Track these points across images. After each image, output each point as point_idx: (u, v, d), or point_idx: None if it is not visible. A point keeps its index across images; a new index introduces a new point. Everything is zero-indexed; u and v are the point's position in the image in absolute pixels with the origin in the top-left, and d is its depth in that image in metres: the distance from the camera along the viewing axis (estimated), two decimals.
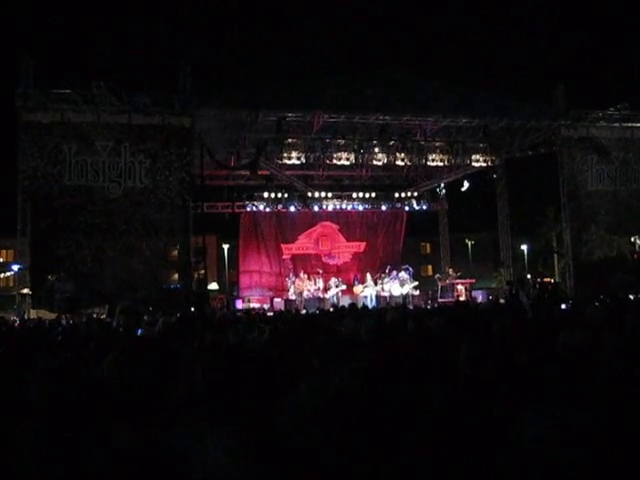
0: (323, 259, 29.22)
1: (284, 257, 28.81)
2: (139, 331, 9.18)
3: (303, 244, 29.20)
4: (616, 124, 25.42)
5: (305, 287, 25.59)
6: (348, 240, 29.79)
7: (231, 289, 27.46)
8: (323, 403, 2.48)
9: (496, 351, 3.28)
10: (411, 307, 21.45)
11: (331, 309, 17.74)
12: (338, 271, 28.67)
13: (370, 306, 20.75)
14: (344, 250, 29.73)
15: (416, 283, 27.15)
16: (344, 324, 8.18)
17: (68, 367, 2.51)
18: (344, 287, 25.96)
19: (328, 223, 29.33)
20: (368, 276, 26.50)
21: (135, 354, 2.22)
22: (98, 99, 20.52)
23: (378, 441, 2.16)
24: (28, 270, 20.39)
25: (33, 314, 19.02)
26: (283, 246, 28.88)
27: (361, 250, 29.89)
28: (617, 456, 2.22)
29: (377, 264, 29.31)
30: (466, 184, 27.46)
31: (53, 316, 17.26)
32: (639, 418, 2.40)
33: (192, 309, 19.12)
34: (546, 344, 4.17)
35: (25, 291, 20.52)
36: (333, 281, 25.85)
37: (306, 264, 28.61)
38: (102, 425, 2.10)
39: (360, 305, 15.98)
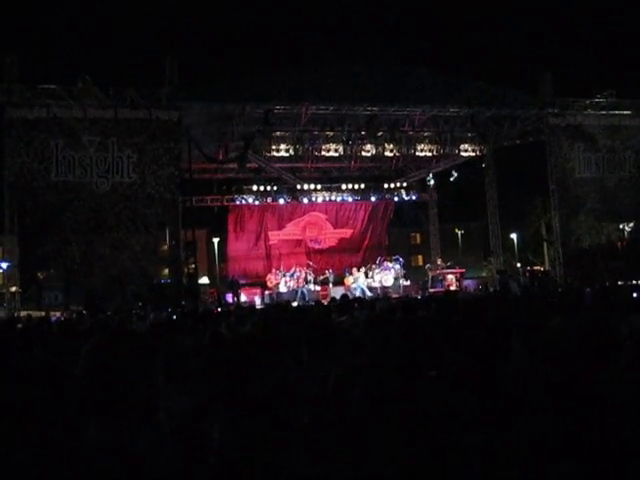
0: (309, 244, 29.34)
1: (270, 243, 28.92)
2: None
3: (290, 231, 29.35)
4: (603, 112, 25.47)
5: (295, 279, 25.55)
6: (335, 228, 29.94)
7: (225, 282, 27.43)
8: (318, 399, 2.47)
9: (482, 342, 3.28)
10: (395, 296, 21.54)
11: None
12: (321, 253, 28.85)
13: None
14: (330, 236, 29.88)
15: (393, 273, 26.83)
16: (335, 317, 8.17)
17: (45, 362, 2.49)
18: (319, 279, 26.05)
19: (316, 213, 29.41)
20: (358, 269, 26.49)
21: (108, 348, 2.20)
22: (84, 94, 20.33)
23: (372, 437, 2.16)
24: (17, 268, 20.23)
25: (23, 312, 18.87)
26: (270, 233, 29.00)
27: (347, 236, 30.04)
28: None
29: (363, 252, 29.57)
30: (454, 174, 27.52)
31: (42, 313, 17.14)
32: None
33: (183, 303, 19.07)
34: (536, 333, 4.15)
35: (14, 289, 20.36)
36: (303, 274, 25.80)
37: (292, 248, 28.77)
38: (74, 420, 2.09)
39: (352, 296, 15.96)
